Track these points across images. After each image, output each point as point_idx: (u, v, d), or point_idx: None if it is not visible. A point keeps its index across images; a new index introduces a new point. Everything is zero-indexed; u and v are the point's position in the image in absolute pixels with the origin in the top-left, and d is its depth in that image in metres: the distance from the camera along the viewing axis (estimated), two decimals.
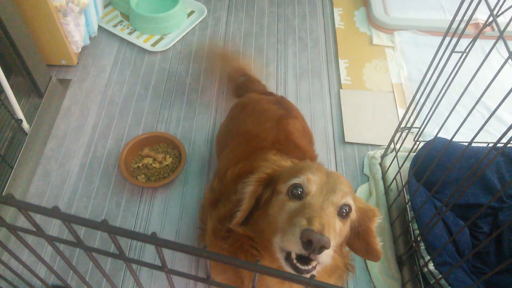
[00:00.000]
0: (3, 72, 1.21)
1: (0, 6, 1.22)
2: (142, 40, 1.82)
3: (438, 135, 1.05)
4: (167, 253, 1.23)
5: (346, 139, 1.54)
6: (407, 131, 1.27)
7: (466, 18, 0.90)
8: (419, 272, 1.12)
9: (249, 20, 1.97)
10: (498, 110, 0.79)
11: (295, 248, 0.64)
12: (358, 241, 0.79)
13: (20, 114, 1.35)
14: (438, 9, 1.98)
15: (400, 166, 1.25)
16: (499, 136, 0.76)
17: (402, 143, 1.27)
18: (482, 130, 0.82)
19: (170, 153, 1.44)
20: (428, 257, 1.08)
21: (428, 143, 1.18)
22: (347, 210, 0.72)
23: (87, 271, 1.21)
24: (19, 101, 1.33)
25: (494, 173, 1.26)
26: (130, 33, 1.85)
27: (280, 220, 0.70)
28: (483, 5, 0.84)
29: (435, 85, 1.05)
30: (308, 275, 0.49)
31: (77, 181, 1.40)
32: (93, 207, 1.35)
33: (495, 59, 1.80)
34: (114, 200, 1.36)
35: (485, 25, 0.85)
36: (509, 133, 0.71)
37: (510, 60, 0.74)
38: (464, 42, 0.96)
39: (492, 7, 0.82)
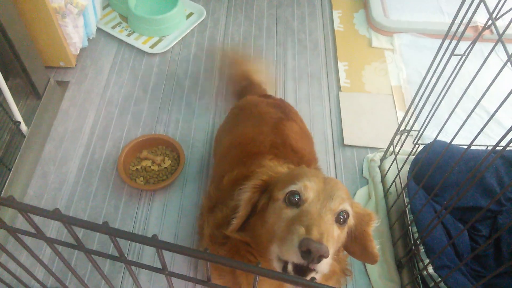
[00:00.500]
0: (1, 74, 1.20)
1: None
2: (140, 42, 1.82)
3: (438, 138, 1.06)
4: (166, 256, 1.22)
5: (345, 142, 1.54)
6: (406, 134, 1.27)
7: (465, 21, 0.90)
8: (418, 275, 1.12)
9: (248, 22, 1.98)
10: (497, 113, 0.79)
11: (294, 257, 0.63)
12: (355, 244, 0.79)
13: (18, 116, 1.34)
14: (438, 11, 1.99)
15: (399, 169, 1.25)
16: (498, 139, 0.76)
17: (402, 146, 1.27)
18: (481, 133, 0.82)
19: (168, 155, 1.44)
20: (427, 260, 1.08)
21: (427, 146, 1.18)
22: (345, 217, 0.71)
23: (86, 273, 1.21)
24: (17, 103, 1.33)
25: (493, 176, 1.26)
26: (128, 35, 1.85)
27: (278, 227, 0.70)
28: (482, 8, 0.85)
29: (435, 88, 1.05)
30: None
31: (75, 183, 1.39)
32: (91, 210, 1.34)
33: (494, 62, 1.81)
34: (113, 203, 1.36)
35: (484, 28, 0.86)
36: (508, 136, 0.71)
37: (509, 63, 0.75)
38: (463, 45, 0.96)
39: (491, 10, 0.82)
